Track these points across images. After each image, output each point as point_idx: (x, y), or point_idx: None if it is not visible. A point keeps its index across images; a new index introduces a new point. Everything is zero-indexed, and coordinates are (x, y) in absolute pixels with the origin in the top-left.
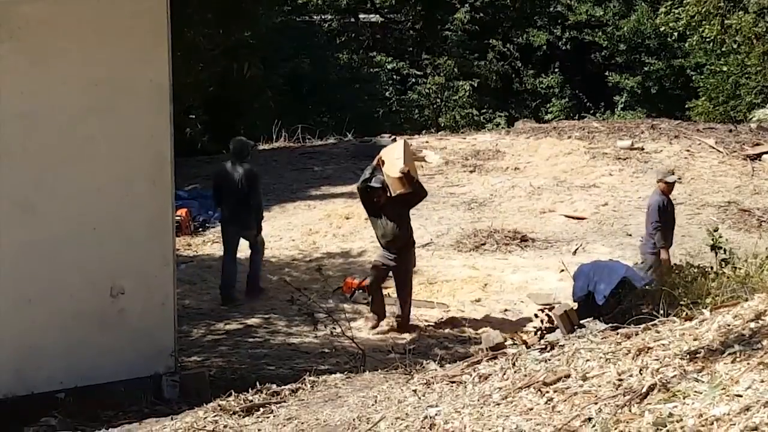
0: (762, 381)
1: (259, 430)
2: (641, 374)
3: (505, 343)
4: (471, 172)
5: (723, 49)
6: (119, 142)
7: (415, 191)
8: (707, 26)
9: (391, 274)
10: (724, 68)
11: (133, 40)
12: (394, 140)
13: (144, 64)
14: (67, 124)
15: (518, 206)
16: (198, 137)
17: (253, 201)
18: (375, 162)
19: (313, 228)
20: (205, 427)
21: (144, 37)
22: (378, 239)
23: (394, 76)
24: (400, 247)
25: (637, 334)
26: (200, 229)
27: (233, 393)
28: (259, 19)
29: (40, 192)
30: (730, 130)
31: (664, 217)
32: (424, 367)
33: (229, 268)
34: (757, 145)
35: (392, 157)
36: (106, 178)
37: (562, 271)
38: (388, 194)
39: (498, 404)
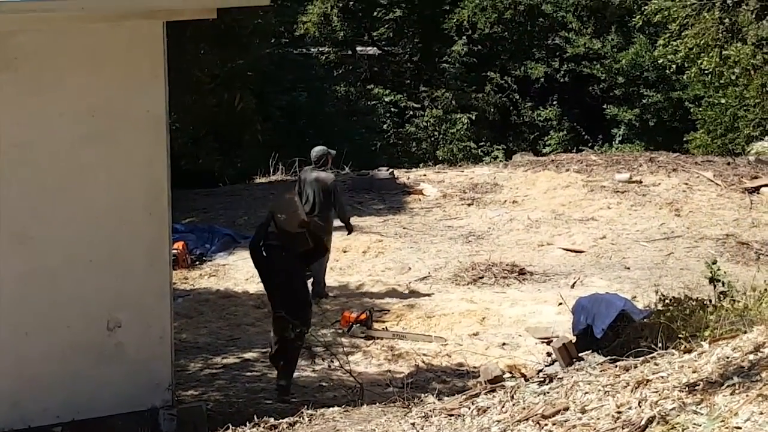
0: (761, 413)
1: None
2: (640, 407)
3: (504, 376)
4: (469, 205)
5: (721, 82)
6: (116, 172)
7: (317, 246)
8: (705, 58)
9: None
10: (723, 101)
11: (129, 70)
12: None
13: (141, 94)
14: (64, 154)
15: (516, 239)
16: (211, 164)
17: (335, 206)
18: (266, 218)
19: None
20: None
21: (141, 67)
22: (270, 302)
23: (392, 109)
24: (296, 311)
25: (635, 367)
26: (197, 263)
27: (230, 427)
28: (254, 49)
29: (36, 222)
30: (729, 163)
31: None
32: (422, 401)
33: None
34: (756, 178)
35: (288, 210)
36: (103, 209)
37: (561, 304)
38: (284, 253)
39: None
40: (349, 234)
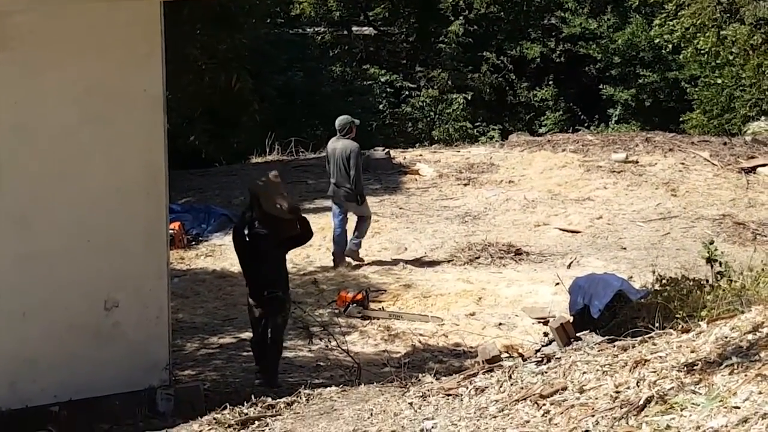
0: (760, 393)
1: None
2: (638, 386)
3: (501, 356)
4: (465, 185)
5: (718, 62)
6: (113, 152)
7: (304, 231)
8: (702, 38)
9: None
10: (719, 81)
11: (127, 50)
12: (276, 175)
13: (138, 74)
14: (61, 135)
15: (512, 219)
16: (203, 145)
17: (350, 174)
18: (250, 202)
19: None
20: None
21: (138, 47)
22: (255, 287)
23: (388, 89)
24: (288, 291)
25: (633, 347)
26: (193, 243)
27: (228, 406)
28: (250, 29)
29: (33, 204)
30: (725, 143)
31: None
32: (419, 380)
33: (335, 236)
34: (752, 158)
35: (272, 192)
36: (100, 190)
37: (557, 284)
38: (270, 238)
39: (494, 417)
40: (360, 204)
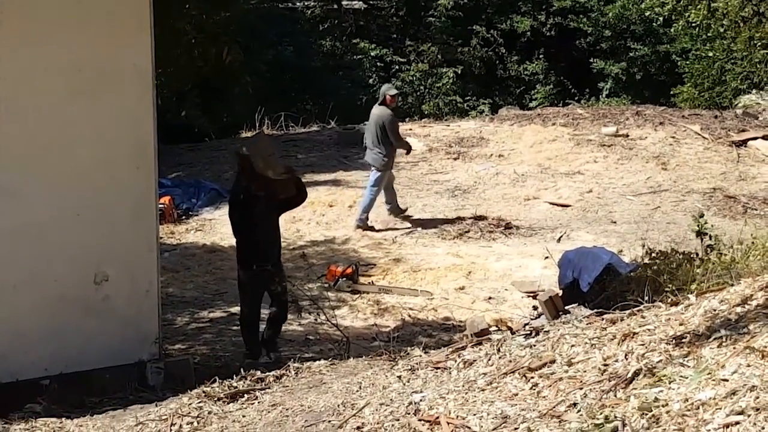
0: (748, 365)
1: (243, 415)
2: (627, 359)
3: (490, 330)
4: (455, 159)
5: (709, 34)
6: (102, 126)
7: (300, 192)
8: (693, 11)
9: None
10: (710, 54)
11: (115, 24)
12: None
13: (127, 48)
14: (51, 109)
15: (502, 193)
16: (194, 119)
17: (388, 140)
18: (243, 165)
19: (297, 216)
20: (189, 413)
21: (127, 20)
22: (247, 258)
23: (378, 63)
24: (280, 264)
25: (622, 320)
26: (183, 217)
27: (218, 379)
28: (240, 2)
29: (24, 177)
30: (716, 117)
31: None
32: (408, 354)
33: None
34: (743, 131)
35: (263, 155)
36: (90, 163)
37: (547, 258)
38: (265, 203)
39: (483, 390)
40: (407, 153)
